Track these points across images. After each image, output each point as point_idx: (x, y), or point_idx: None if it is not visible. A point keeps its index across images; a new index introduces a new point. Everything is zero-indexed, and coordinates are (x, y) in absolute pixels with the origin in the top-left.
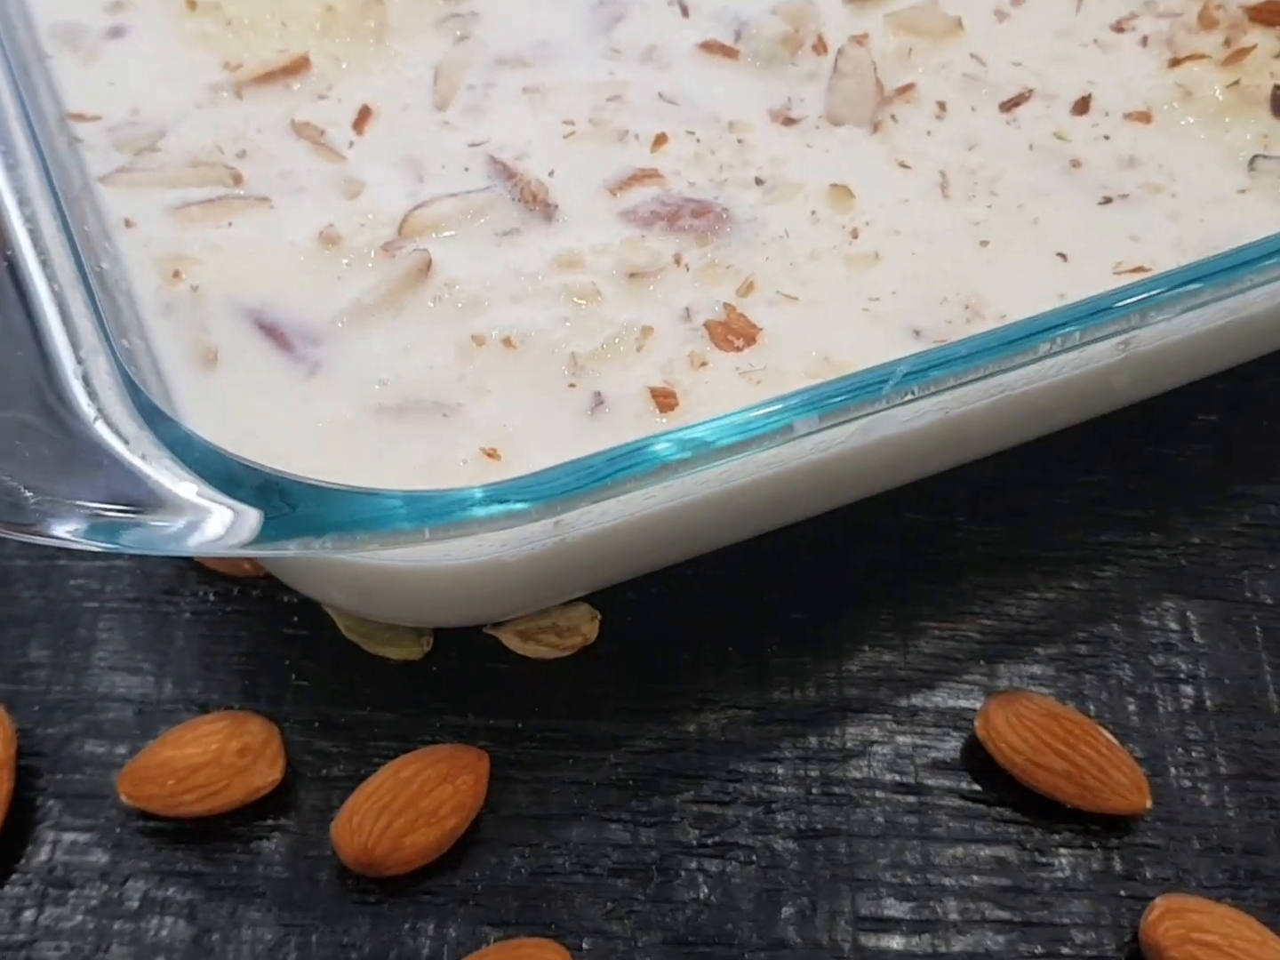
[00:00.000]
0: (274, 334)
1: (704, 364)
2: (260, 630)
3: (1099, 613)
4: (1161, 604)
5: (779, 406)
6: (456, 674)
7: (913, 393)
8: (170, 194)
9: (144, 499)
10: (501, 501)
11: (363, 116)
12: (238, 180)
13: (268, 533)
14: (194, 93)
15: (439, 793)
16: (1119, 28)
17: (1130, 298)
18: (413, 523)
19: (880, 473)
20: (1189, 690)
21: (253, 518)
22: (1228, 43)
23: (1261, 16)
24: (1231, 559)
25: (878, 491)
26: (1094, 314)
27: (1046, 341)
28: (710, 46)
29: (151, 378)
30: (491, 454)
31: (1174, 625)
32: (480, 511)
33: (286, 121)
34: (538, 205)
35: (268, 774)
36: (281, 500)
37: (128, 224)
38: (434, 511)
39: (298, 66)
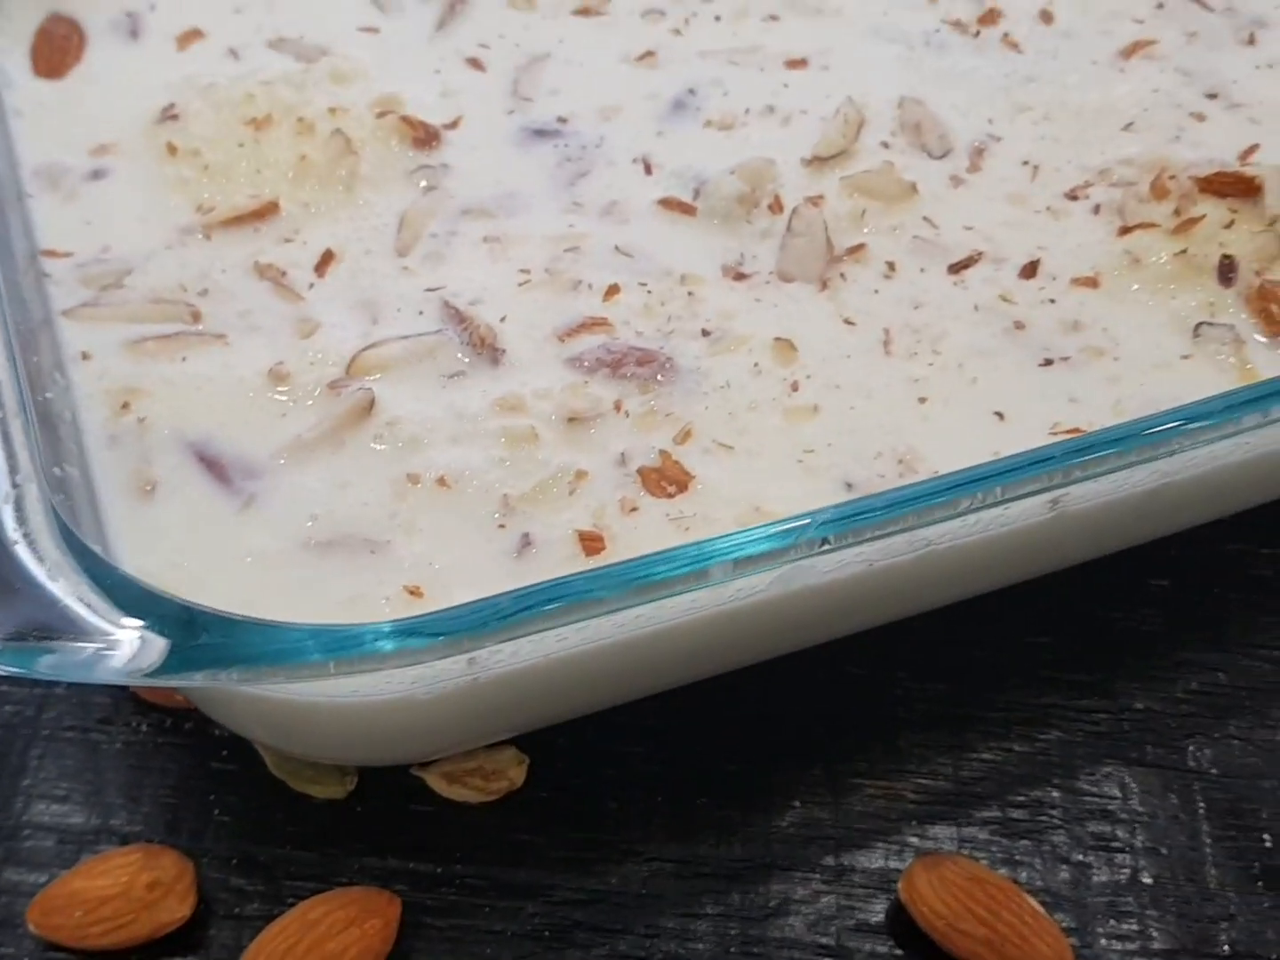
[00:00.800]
0: (214, 467)
1: (634, 509)
2: (189, 763)
3: (1037, 776)
4: (1101, 770)
5: (693, 552)
6: (379, 815)
7: (829, 542)
8: (130, 329)
9: (55, 624)
10: (405, 636)
11: (325, 260)
12: (196, 317)
13: (172, 662)
14: (165, 233)
15: (345, 936)
16: (1072, 195)
17: (1051, 456)
18: (318, 656)
19: (807, 624)
20: (1125, 860)
21: (160, 646)
22: (1178, 212)
23: (1212, 188)
24: (1175, 726)
25: (810, 644)
26: (1013, 470)
27: (966, 497)
28: (669, 203)
29: (85, 506)
30: (414, 591)
31: (1114, 792)
32: (385, 646)
33: (250, 263)
34: (485, 349)
35: (177, 910)
36: (190, 630)
37: (84, 356)
38: (338, 645)
39: (267, 211)
